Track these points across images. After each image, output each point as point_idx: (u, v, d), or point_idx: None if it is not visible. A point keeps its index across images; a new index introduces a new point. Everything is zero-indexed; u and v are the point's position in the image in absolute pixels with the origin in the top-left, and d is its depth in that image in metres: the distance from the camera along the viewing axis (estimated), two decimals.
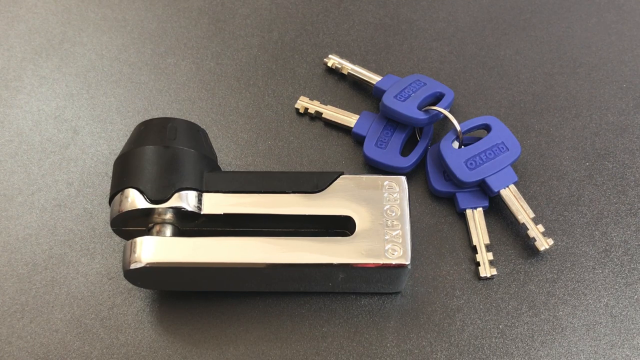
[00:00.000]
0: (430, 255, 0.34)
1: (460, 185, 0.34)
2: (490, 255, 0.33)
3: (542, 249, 0.33)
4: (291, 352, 0.32)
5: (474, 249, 0.34)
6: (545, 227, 0.34)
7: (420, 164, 0.36)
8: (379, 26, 0.42)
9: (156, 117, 0.38)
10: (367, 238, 0.30)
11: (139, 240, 0.30)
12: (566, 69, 0.40)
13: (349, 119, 0.37)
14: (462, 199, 0.35)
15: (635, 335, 0.32)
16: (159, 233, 0.30)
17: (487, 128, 0.35)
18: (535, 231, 0.33)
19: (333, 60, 0.39)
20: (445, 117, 0.35)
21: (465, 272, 0.34)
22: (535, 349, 0.32)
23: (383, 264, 0.29)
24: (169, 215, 0.30)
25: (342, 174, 0.32)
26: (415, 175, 0.36)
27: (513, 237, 0.35)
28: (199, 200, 0.31)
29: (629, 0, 0.42)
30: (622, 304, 0.33)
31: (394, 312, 0.33)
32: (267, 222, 0.31)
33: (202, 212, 0.30)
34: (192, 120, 0.36)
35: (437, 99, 0.36)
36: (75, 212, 0.36)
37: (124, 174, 0.31)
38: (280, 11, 0.42)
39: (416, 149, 0.36)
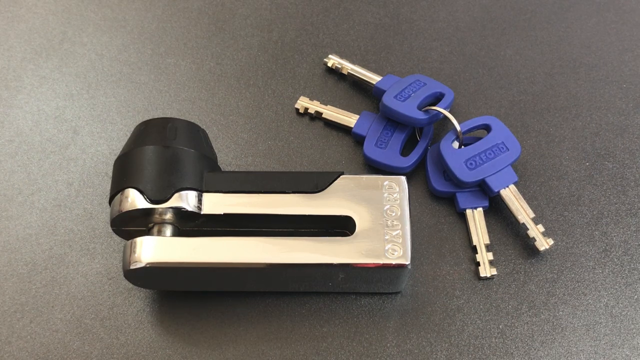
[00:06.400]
0: (430, 255, 0.34)
1: (460, 185, 0.34)
2: (490, 255, 0.33)
3: (542, 249, 0.33)
4: (291, 352, 0.32)
5: (474, 249, 0.34)
6: (545, 227, 0.34)
7: (420, 164, 0.36)
8: (379, 26, 0.42)
9: (156, 117, 0.38)
10: (367, 238, 0.30)
11: (139, 240, 0.30)
12: (566, 69, 0.40)
13: (349, 119, 0.37)
14: (462, 199, 0.35)
15: (635, 335, 0.32)
16: (159, 233, 0.30)
17: (487, 128, 0.35)
18: (535, 231, 0.33)
19: (333, 60, 0.39)
20: (445, 117, 0.35)
21: (465, 272, 0.34)
22: (535, 349, 0.32)
23: (383, 264, 0.29)
24: (169, 215, 0.30)
25: (342, 174, 0.32)
26: (415, 175, 0.36)
27: (513, 237, 0.35)
28: (199, 200, 0.31)
29: (629, 0, 0.42)
30: (622, 304, 0.33)
31: (394, 312, 0.33)
32: (267, 222, 0.31)
33: (202, 212, 0.30)
34: (192, 120, 0.36)
35: (437, 99, 0.36)
36: (75, 212, 0.36)
37: (124, 174, 0.31)
38: (280, 11, 0.42)
39: (416, 149, 0.36)
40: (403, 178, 0.31)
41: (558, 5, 0.42)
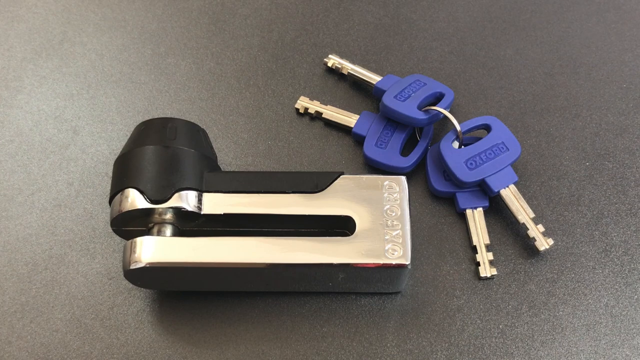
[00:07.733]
0: (430, 255, 0.34)
1: (460, 185, 0.34)
2: (490, 255, 0.34)
3: (542, 249, 0.33)
4: (291, 352, 0.32)
5: (474, 249, 0.34)
6: (545, 227, 0.34)
7: (420, 164, 0.36)
8: (379, 26, 0.42)
9: (156, 117, 0.38)
10: (367, 238, 0.30)
11: (139, 240, 0.30)
12: (566, 69, 0.40)
13: (349, 119, 0.37)
14: (462, 199, 0.35)
15: (635, 335, 0.32)
16: (159, 233, 0.30)
17: (487, 128, 0.35)
18: (535, 231, 0.33)
19: (333, 60, 0.39)
20: (445, 117, 0.35)
21: (465, 272, 0.34)
22: (535, 349, 0.32)
23: (383, 264, 0.29)
24: (169, 215, 0.30)
25: (342, 174, 0.32)
26: (415, 175, 0.36)
27: (513, 237, 0.35)
28: (199, 200, 0.31)
29: (629, 0, 0.42)
30: (622, 304, 0.33)
31: (394, 312, 0.33)
32: (267, 222, 0.31)
33: (202, 212, 0.30)
34: (192, 120, 0.36)
35: (437, 99, 0.36)
36: (75, 212, 0.36)
37: (124, 174, 0.31)
38: (280, 11, 0.42)
39: (416, 149, 0.36)
40: (403, 178, 0.31)
41: (558, 5, 0.42)
